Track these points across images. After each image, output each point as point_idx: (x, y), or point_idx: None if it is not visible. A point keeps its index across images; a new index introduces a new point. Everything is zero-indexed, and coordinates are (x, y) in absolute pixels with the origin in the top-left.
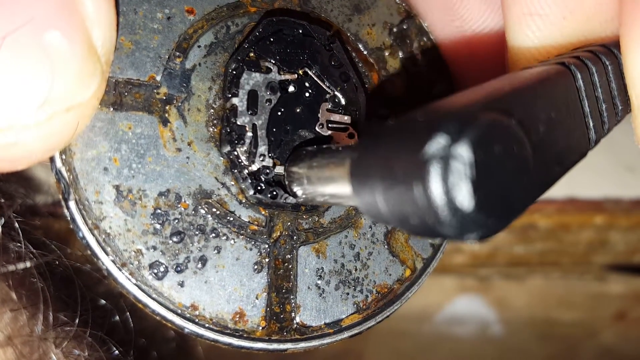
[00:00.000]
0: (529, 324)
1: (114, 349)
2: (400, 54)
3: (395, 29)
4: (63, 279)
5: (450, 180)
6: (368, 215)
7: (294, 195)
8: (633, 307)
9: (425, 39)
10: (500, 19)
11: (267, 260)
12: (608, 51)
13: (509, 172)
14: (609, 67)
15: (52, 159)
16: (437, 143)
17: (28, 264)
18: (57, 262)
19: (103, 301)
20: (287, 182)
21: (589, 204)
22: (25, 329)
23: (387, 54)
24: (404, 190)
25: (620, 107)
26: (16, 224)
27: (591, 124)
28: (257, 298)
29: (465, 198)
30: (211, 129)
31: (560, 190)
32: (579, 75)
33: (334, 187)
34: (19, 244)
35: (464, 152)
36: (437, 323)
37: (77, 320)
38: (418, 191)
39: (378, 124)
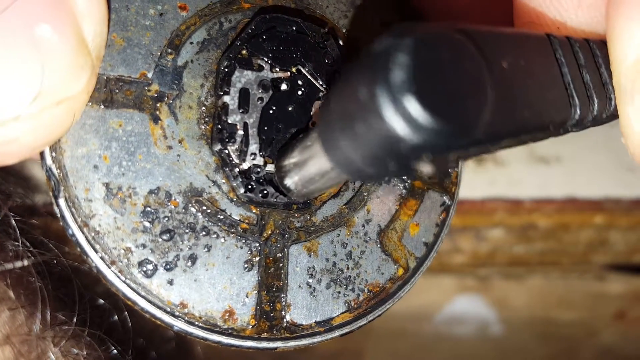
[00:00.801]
0: (529, 323)
1: (113, 348)
2: None
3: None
4: (61, 278)
5: (391, 70)
6: (350, 175)
7: (288, 190)
8: (633, 306)
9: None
10: None
11: (257, 258)
12: (602, 42)
13: (460, 82)
14: (597, 52)
15: (42, 157)
16: (384, 42)
17: (26, 263)
18: (55, 261)
19: (101, 300)
20: (278, 180)
21: (588, 204)
22: (24, 328)
23: None
24: (354, 105)
25: (612, 94)
26: (13, 222)
27: (574, 93)
28: (247, 296)
29: (406, 87)
30: (203, 127)
31: (560, 189)
32: (557, 43)
33: (316, 165)
34: (16, 243)
35: (408, 45)
36: (436, 323)
37: (75, 319)
38: (363, 90)
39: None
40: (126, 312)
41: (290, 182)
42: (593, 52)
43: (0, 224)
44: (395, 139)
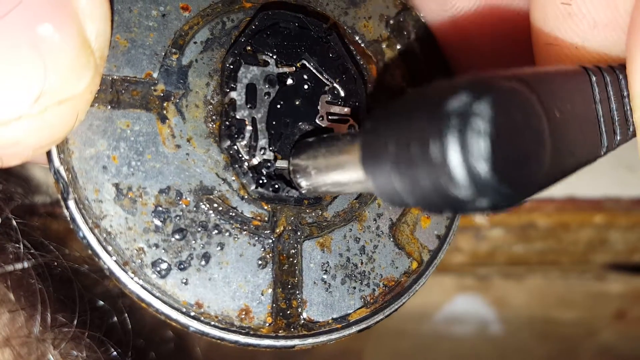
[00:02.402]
0: (529, 323)
1: (112, 350)
2: (398, 46)
3: (391, 21)
4: (61, 280)
5: (469, 136)
6: (383, 197)
7: (299, 186)
8: (633, 306)
9: (421, 30)
10: None
11: (271, 255)
12: (623, 67)
13: (526, 143)
14: (622, 82)
15: (50, 159)
16: (459, 100)
17: (26, 265)
18: (55, 263)
19: (101, 302)
20: (291, 175)
21: (588, 203)
22: (23, 330)
23: (384, 46)
24: (419, 153)
25: (631, 122)
26: (14, 224)
27: (603, 129)
28: (262, 294)
29: (482, 155)
30: (210, 125)
31: (559, 189)
32: (594, 79)
33: (343, 174)
34: (17, 244)
35: (485, 109)
36: (436, 322)
37: (75, 322)
38: (435, 148)
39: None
40: (126, 314)
41: (303, 181)
42: (619, 81)
43: (1, 226)
44: (461, 200)
